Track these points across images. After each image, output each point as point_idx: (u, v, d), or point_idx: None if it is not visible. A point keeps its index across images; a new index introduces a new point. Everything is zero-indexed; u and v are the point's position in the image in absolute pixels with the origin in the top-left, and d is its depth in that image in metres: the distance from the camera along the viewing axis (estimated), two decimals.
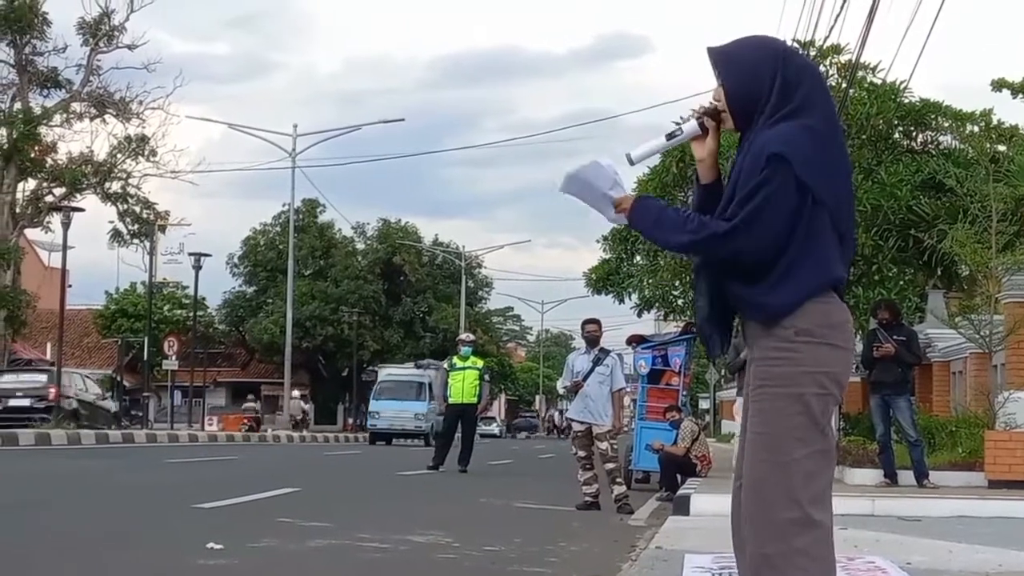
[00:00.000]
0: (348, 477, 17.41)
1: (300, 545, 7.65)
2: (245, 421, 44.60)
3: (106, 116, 42.72)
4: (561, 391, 16.34)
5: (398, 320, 65.79)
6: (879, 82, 19.14)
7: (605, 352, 12.55)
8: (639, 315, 25.14)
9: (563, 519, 10.80)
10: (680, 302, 23.29)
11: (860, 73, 18.59)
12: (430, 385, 41.23)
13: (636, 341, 17.73)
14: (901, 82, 19.17)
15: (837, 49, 18.58)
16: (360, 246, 68.20)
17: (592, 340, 12.73)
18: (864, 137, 18.60)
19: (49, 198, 42.05)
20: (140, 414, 48.01)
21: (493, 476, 18.97)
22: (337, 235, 67.46)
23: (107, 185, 42.74)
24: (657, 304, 24.04)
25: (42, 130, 41.57)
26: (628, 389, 15.22)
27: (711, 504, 10.08)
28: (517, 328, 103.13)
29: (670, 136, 3.44)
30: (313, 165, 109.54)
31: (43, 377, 30.73)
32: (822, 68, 17.42)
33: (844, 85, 17.88)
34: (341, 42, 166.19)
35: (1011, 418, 13.24)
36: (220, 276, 72.85)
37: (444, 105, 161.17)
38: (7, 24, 40.44)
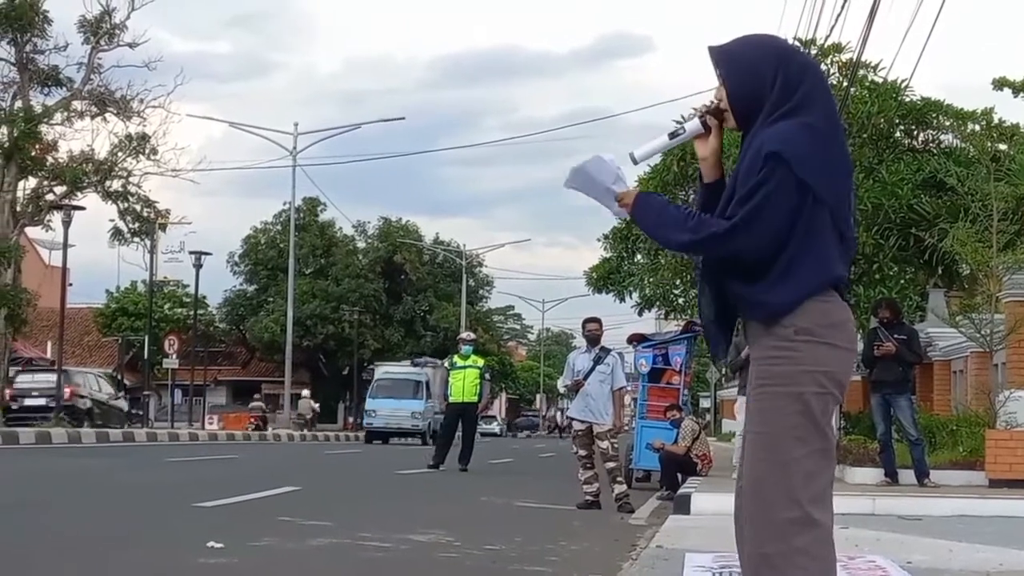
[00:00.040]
0: (348, 476, 17.41)
1: (300, 544, 7.64)
2: (251, 420, 44.63)
3: (107, 114, 42.71)
4: (562, 390, 16.31)
5: (399, 319, 65.82)
6: (880, 81, 19.13)
7: (606, 351, 12.54)
8: (640, 314, 25.14)
9: (564, 518, 10.80)
10: (681, 301, 23.29)
11: (861, 72, 18.59)
12: (427, 383, 41.16)
13: (637, 340, 17.73)
14: (902, 81, 19.18)
15: (838, 48, 18.57)
16: (361, 245, 68.24)
17: (593, 339, 12.72)
18: (865, 136, 18.59)
19: (50, 196, 42.03)
20: (140, 413, 48.02)
21: (494, 475, 18.97)
22: (338, 234, 67.49)
23: (108, 183, 42.72)
24: (658, 303, 24.04)
25: (43, 128, 41.56)
26: (629, 388, 15.22)
27: (712, 503, 10.08)
28: (518, 327, 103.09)
29: (673, 135, 3.45)
30: (314, 164, 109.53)
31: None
32: (823, 67, 17.40)
33: (845, 84, 17.87)
34: (341, 42, 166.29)
35: (1012, 417, 13.24)
36: (221, 275, 73.00)
37: (444, 104, 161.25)
38: (8, 22, 40.43)
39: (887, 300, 14.16)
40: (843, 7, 17.93)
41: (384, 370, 45.84)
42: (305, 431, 45.43)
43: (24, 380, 32.11)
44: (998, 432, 12.91)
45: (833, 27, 20.53)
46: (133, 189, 43.55)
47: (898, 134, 19.77)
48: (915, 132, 19.93)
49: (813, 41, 18.14)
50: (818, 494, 3.21)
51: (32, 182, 42.33)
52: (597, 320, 12.99)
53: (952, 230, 14.46)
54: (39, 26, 41.28)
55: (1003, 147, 18.75)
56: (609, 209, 3.47)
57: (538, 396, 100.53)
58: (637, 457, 16.32)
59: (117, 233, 44.33)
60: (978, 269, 15.00)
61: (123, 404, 35.66)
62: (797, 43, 16.93)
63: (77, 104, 42.62)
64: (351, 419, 60.24)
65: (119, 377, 48.85)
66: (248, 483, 12.78)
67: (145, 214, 44.01)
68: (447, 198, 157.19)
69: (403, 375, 42.89)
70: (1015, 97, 21.42)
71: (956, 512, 10.27)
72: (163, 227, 46.07)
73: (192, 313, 47.44)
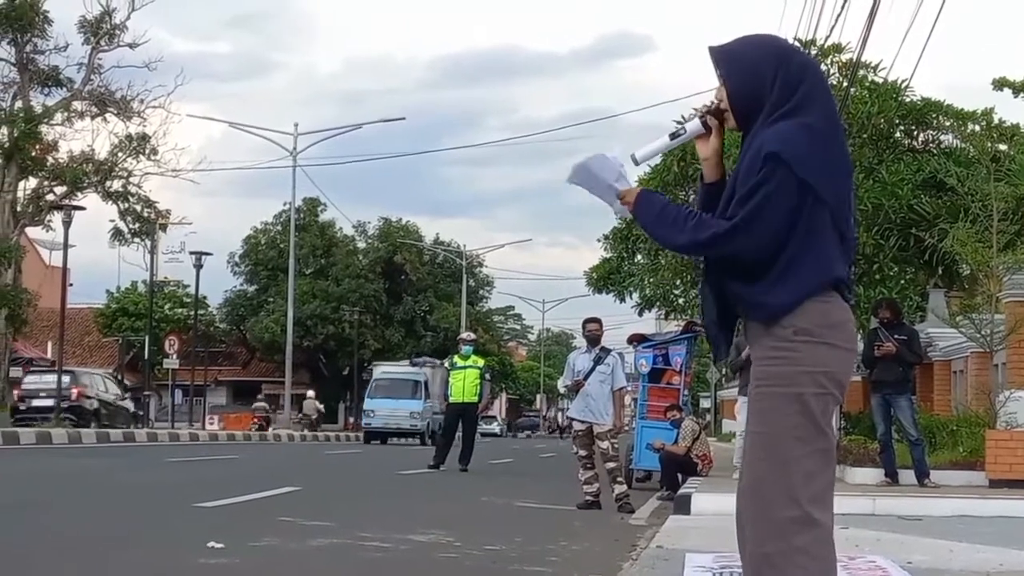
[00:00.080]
0: (349, 476, 17.41)
1: (301, 544, 7.65)
2: (255, 420, 44.71)
3: (107, 115, 42.79)
4: (562, 390, 16.35)
5: (399, 319, 65.84)
6: (880, 81, 19.15)
7: (606, 351, 12.54)
8: (640, 314, 25.17)
9: (564, 518, 10.80)
10: (681, 301, 23.32)
11: (861, 72, 18.60)
12: (426, 383, 40.93)
13: (637, 340, 17.72)
14: (902, 81, 19.20)
15: (838, 48, 18.59)
16: (361, 245, 68.27)
17: (593, 339, 12.72)
18: (865, 136, 18.61)
19: (50, 197, 42.10)
20: (141, 413, 48.08)
21: (494, 475, 18.97)
22: (338, 234, 67.51)
23: (108, 184, 42.79)
24: (658, 303, 24.06)
25: (43, 129, 41.63)
26: (629, 388, 15.21)
27: (712, 503, 10.09)
28: (518, 327, 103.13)
29: (674, 135, 3.45)
30: (314, 164, 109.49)
31: (66, 378, 31.32)
32: (823, 67, 17.41)
33: (845, 84, 17.88)
34: (341, 42, 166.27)
35: (1012, 417, 13.24)
36: (221, 275, 73.00)
37: (445, 104, 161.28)
38: (8, 23, 40.48)
39: (887, 300, 14.17)
40: (843, 7, 17.97)
41: (382, 370, 45.55)
42: (306, 431, 45.47)
43: (32, 381, 32.34)
44: (998, 432, 12.91)
45: (833, 27, 20.58)
46: (133, 189, 43.66)
47: (898, 134, 19.79)
48: (915, 132, 19.95)
49: (813, 41, 18.15)
50: (818, 494, 3.21)
51: (32, 182, 42.42)
52: (597, 320, 12.99)
53: (952, 230, 14.47)
54: (39, 26, 41.34)
55: (1003, 147, 18.77)
56: (611, 206, 3.48)
57: (538, 396, 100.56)
58: (637, 457, 16.32)
59: (117, 233, 44.42)
60: (978, 269, 15.00)
61: (129, 404, 35.88)
62: (797, 43, 16.93)
63: (77, 104, 42.70)
64: (351, 419, 60.24)
65: (120, 378, 48.93)
66: (249, 483, 12.78)
67: (145, 214, 44.07)
68: (447, 198, 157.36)
69: (402, 375, 42.49)
70: (1015, 97, 21.44)
71: (956, 512, 10.28)
72: (163, 227, 46.14)
73: (192, 313, 47.46)
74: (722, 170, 3.43)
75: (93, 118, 42.77)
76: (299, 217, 57.40)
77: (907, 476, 12.75)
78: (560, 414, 76.12)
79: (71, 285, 43.45)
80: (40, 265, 54.25)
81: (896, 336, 12.95)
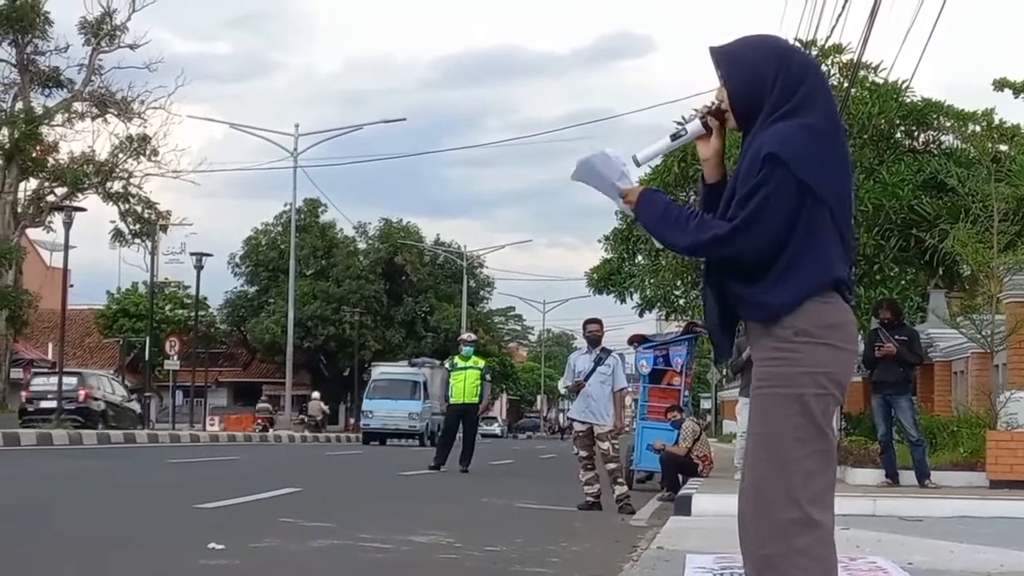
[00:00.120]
0: (349, 477, 17.41)
1: (302, 545, 7.65)
2: (259, 421, 44.89)
3: (108, 116, 42.81)
4: (563, 391, 16.39)
5: (400, 320, 65.83)
6: (881, 82, 19.16)
7: (607, 352, 12.54)
8: (641, 315, 25.16)
9: (564, 519, 10.80)
10: (682, 302, 23.31)
11: (862, 73, 18.60)
12: (425, 384, 40.74)
13: (638, 341, 17.72)
14: (903, 82, 19.20)
15: (839, 49, 18.59)
16: (362, 246, 68.26)
17: (594, 340, 12.72)
18: (866, 137, 18.61)
19: (51, 198, 42.13)
20: (142, 414, 48.15)
21: (494, 476, 18.97)
22: (339, 235, 67.51)
23: (109, 185, 42.81)
24: (659, 304, 24.05)
25: (44, 130, 41.64)
26: (630, 389, 15.20)
27: (713, 504, 10.09)
28: (519, 328, 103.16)
29: (675, 136, 3.45)
30: (315, 165, 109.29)
31: (73, 380, 31.60)
32: (824, 68, 17.41)
33: (846, 84, 17.88)
34: (342, 42, 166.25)
35: (1012, 418, 13.24)
36: (222, 276, 73.02)
37: (445, 105, 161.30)
38: (9, 24, 40.49)
39: (888, 301, 14.17)
40: (844, 8, 17.96)
41: (381, 370, 45.34)
42: (307, 432, 45.52)
43: (40, 383, 32.53)
44: (999, 433, 12.91)
45: (834, 28, 20.60)
46: (134, 190, 43.69)
47: (899, 135, 19.80)
48: (916, 133, 19.95)
49: (814, 42, 18.15)
50: (818, 495, 3.21)
51: (33, 183, 42.45)
52: (598, 321, 12.99)
53: (953, 231, 14.46)
54: (40, 27, 41.36)
55: (1004, 148, 18.78)
56: (615, 203, 3.49)
57: (539, 397, 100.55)
58: (638, 458, 16.31)
59: (118, 234, 44.45)
60: (979, 270, 15.01)
61: (136, 406, 36.05)
62: (798, 44, 16.93)
63: (78, 105, 42.72)
64: (352, 420, 60.24)
65: (120, 379, 48.95)
66: (249, 484, 12.78)
67: (146, 215, 44.10)
68: (448, 199, 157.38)
69: (400, 375, 42.23)
70: (1016, 98, 21.41)
71: (957, 513, 10.27)
72: (164, 228, 46.18)
73: (193, 314, 47.45)
74: (723, 171, 3.43)
75: (94, 119, 42.81)
76: (300, 218, 57.40)
77: (908, 477, 12.75)
78: (561, 415, 76.09)
79: (72, 286, 43.47)
80: (41, 266, 54.27)
81: (897, 337, 12.95)
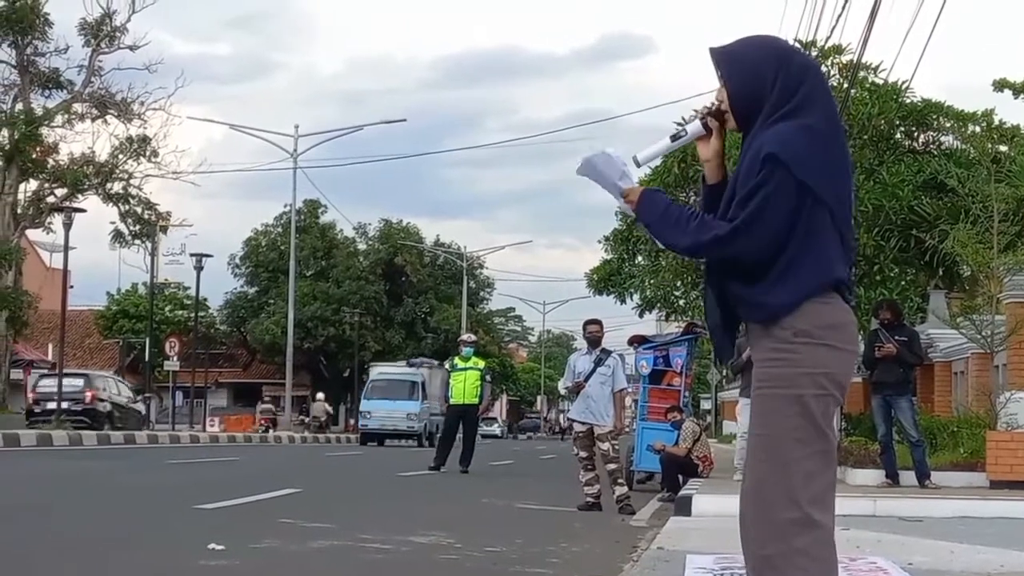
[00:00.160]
0: (349, 478, 17.41)
1: (302, 546, 7.65)
2: (263, 421, 45.06)
3: (107, 117, 42.81)
4: (563, 392, 16.40)
5: (399, 321, 65.81)
6: (881, 82, 19.15)
7: (607, 353, 12.54)
8: (641, 315, 25.17)
9: (565, 520, 10.80)
10: (682, 302, 23.32)
11: (862, 73, 18.59)
12: (423, 384, 40.59)
13: (638, 342, 17.73)
14: (903, 82, 19.19)
15: (839, 49, 18.59)
16: (362, 247, 68.25)
17: (594, 341, 12.72)
18: (866, 137, 18.60)
19: (51, 199, 42.13)
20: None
21: (494, 477, 18.98)
22: (339, 236, 67.50)
23: (108, 186, 42.81)
24: (659, 304, 24.06)
25: (43, 131, 41.64)
26: (630, 390, 15.20)
27: (713, 505, 10.09)
28: (519, 329, 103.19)
29: (675, 137, 3.45)
30: (315, 166, 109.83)
31: (80, 381, 31.74)
32: (823, 68, 17.42)
33: (846, 85, 17.88)
34: (342, 42, 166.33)
35: (1012, 418, 13.24)
36: (221, 277, 73.07)
37: (445, 105, 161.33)
38: (9, 25, 40.48)
39: (888, 301, 14.17)
40: (844, 8, 17.94)
41: (379, 371, 45.14)
42: (307, 433, 45.57)
43: (46, 384, 32.67)
44: (999, 433, 12.91)
45: (834, 28, 20.61)
46: (134, 191, 43.69)
47: (899, 135, 19.79)
48: (916, 134, 19.95)
49: (814, 43, 18.15)
50: (818, 495, 3.21)
51: (33, 184, 42.45)
52: (598, 322, 12.99)
53: (953, 231, 14.46)
54: (40, 29, 41.36)
55: (1003, 148, 18.78)
56: (617, 201, 3.50)
57: (539, 398, 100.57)
58: (638, 459, 16.31)
59: (118, 235, 44.45)
60: (979, 270, 15.01)
61: (141, 407, 36.18)
62: (798, 44, 16.94)
63: (78, 106, 42.72)
64: (352, 421, 60.23)
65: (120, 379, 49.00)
66: (249, 485, 12.78)
67: (146, 216, 44.09)
68: (448, 200, 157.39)
69: (399, 376, 42.00)
70: (1015, 98, 21.42)
71: (957, 513, 10.27)
72: (164, 229, 46.19)
73: (193, 315, 47.48)
74: (724, 171, 3.42)
75: (94, 120, 42.80)
76: (300, 219, 57.41)
77: (908, 477, 12.75)
78: (561, 416, 76.10)
79: (72, 287, 43.42)
80: (41, 267, 54.31)
81: (897, 337, 12.95)
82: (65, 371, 31.91)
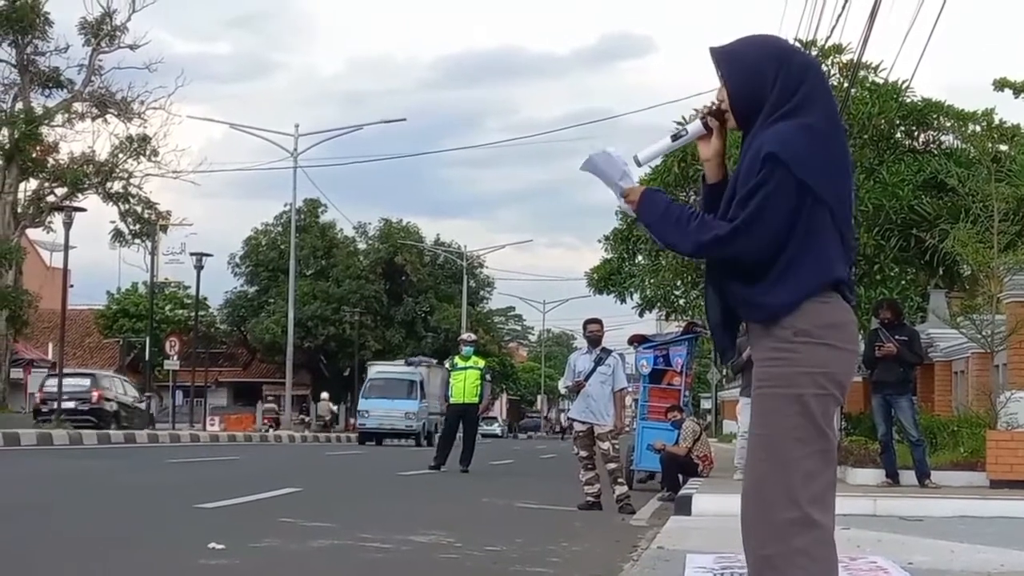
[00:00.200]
0: (350, 477, 17.41)
1: (302, 545, 7.65)
2: (266, 421, 45.27)
3: (108, 116, 42.80)
4: (563, 391, 16.42)
5: (400, 320, 65.81)
6: (881, 82, 19.15)
7: (607, 352, 12.54)
8: (641, 315, 25.17)
9: (565, 519, 10.80)
10: (682, 302, 23.32)
11: (862, 73, 18.60)
12: (421, 383, 40.39)
13: (638, 341, 17.73)
14: (903, 82, 19.20)
15: (839, 49, 18.59)
16: (362, 246, 68.25)
17: (594, 340, 12.72)
18: (866, 137, 18.61)
19: (51, 198, 42.12)
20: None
21: (495, 476, 18.98)
22: (339, 235, 67.50)
23: (109, 185, 42.81)
24: (659, 304, 24.06)
25: (44, 130, 41.64)
26: (630, 389, 15.21)
27: (713, 504, 10.10)
28: (519, 328, 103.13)
29: (675, 137, 3.45)
30: (315, 165, 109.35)
31: (87, 381, 31.88)
32: (824, 68, 17.41)
33: (846, 85, 17.88)
34: (342, 42, 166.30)
35: (1013, 418, 13.24)
36: (222, 276, 73.01)
37: (446, 105, 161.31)
38: (9, 24, 40.48)
39: (888, 301, 14.17)
40: (844, 8, 17.92)
41: (377, 369, 44.85)
42: (307, 432, 45.61)
43: (54, 384, 32.77)
44: (999, 433, 12.91)
45: (834, 28, 20.56)
46: (134, 191, 43.69)
47: (899, 135, 19.79)
48: (916, 133, 19.95)
49: (814, 42, 18.15)
50: (818, 495, 3.21)
51: (33, 184, 42.44)
52: (598, 321, 12.99)
53: (953, 231, 14.47)
54: (40, 28, 41.35)
55: (1004, 148, 18.78)
56: (618, 201, 3.52)
57: (539, 397, 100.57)
58: (638, 458, 16.31)
59: (118, 234, 44.44)
60: (979, 270, 15.01)
61: (147, 406, 36.30)
62: (798, 44, 16.93)
63: (78, 106, 42.71)
64: (352, 420, 60.22)
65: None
66: (249, 484, 12.78)
67: (146, 215, 44.09)
68: (448, 199, 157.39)
69: (397, 375, 41.61)
70: (1016, 98, 21.39)
71: (957, 513, 10.27)
72: (164, 228, 46.18)
73: (193, 314, 47.46)
74: (724, 171, 3.42)
75: (94, 119, 42.80)
76: (300, 218, 57.39)
77: (908, 477, 12.75)
78: (561, 415, 76.07)
79: (72, 286, 43.45)
80: (41, 266, 54.28)
81: (897, 337, 12.95)
82: (72, 371, 32.06)
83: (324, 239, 66.03)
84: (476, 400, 19.36)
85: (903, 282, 18.30)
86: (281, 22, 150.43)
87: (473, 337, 21.32)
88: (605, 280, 23.82)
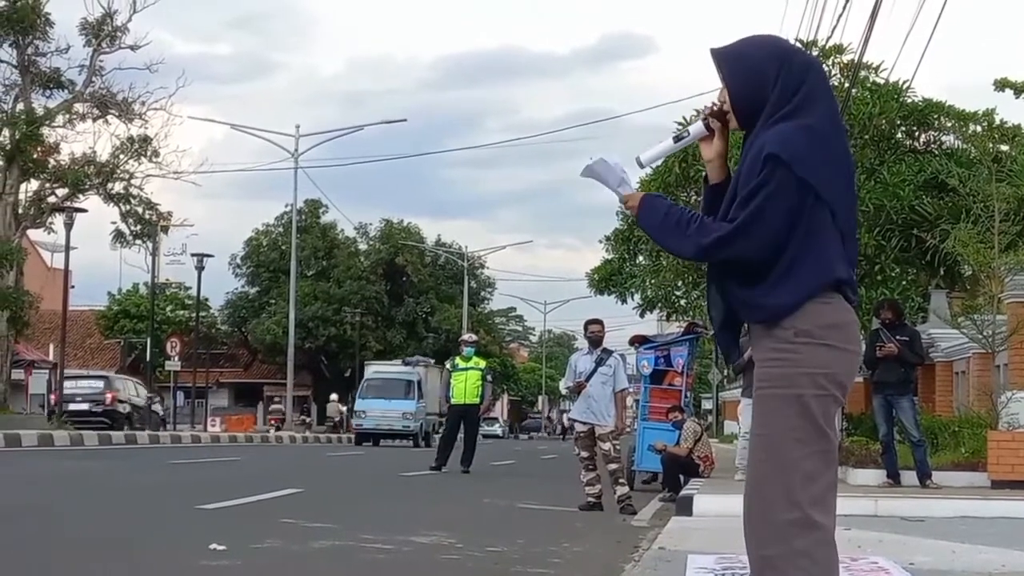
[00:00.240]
0: (351, 478, 17.41)
1: (303, 546, 7.65)
2: (272, 421, 45.46)
3: (109, 117, 42.73)
4: (564, 392, 16.43)
5: (400, 321, 65.83)
6: (882, 82, 19.16)
7: (608, 352, 12.54)
8: (642, 315, 25.19)
9: (566, 520, 10.80)
10: (683, 302, 23.34)
11: (863, 73, 18.60)
12: (419, 383, 40.16)
13: (639, 341, 17.74)
14: (904, 82, 19.20)
15: (840, 49, 18.59)
16: (363, 247, 68.28)
17: (595, 341, 12.72)
18: (867, 137, 18.61)
19: (52, 199, 42.06)
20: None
21: (496, 477, 18.98)
22: (340, 236, 67.53)
23: (109, 186, 42.73)
24: (660, 304, 24.08)
25: (44, 131, 41.58)
26: (631, 390, 15.21)
27: (714, 505, 10.10)
28: (520, 328, 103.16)
29: (677, 138, 3.46)
30: (316, 166, 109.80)
31: (100, 384, 32.17)
32: (824, 68, 17.42)
33: (847, 85, 17.88)
34: (343, 42, 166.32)
35: (1014, 418, 13.24)
36: (223, 277, 73.01)
37: (446, 105, 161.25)
38: (9, 25, 40.44)
39: (889, 301, 14.16)
40: (844, 8, 17.97)
41: (375, 369, 44.60)
42: (308, 433, 45.64)
43: (68, 386, 33.06)
44: (1000, 433, 12.91)
45: (834, 28, 20.62)
46: (135, 191, 43.56)
47: (900, 135, 19.80)
48: (916, 133, 19.96)
49: (814, 42, 18.16)
50: (818, 496, 3.21)
51: (34, 184, 42.34)
52: (599, 322, 12.99)
53: (954, 231, 14.47)
54: (41, 28, 41.29)
55: (1004, 148, 18.78)
56: (619, 204, 3.54)
57: (540, 398, 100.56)
58: (639, 459, 16.32)
59: (119, 235, 44.35)
60: (980, 270, 15.01)
61: (159, 408, 36.48)
62: (799, 44, 16.93)
63: (79, 106, 42.64)
64: (352, 421, 60.23)
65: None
66: (251, 485, 12.78)
67: (147, 216, 44.02)
68: (449, 200, 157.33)
69: (394, 375, 41.26)
70: (1016, 98, 21.39)
71: (958, 513, 10.27)
72: (165, 229, 46.10)
73: (194, 315, 47.46)
74: (726, 172, 3.42)
75: (95, 120, 42.73)
76: (300, 219, 57.41)
77: (909, 477, 12.75)
78: (563, 416, 76.07)
79: (73, 287, 43.38)
80: (42, 267, 54.26)
81: (898, 337, 12.94)
82: (85, 372, 32.23)
83: (325, 240, 66.05)
84: (477, 401, 19.37)
85: (904, 282, 18.31)
86: (281, 22, 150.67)
87: (474, 338, 21.33)
88: (606, 281, 23.83)
